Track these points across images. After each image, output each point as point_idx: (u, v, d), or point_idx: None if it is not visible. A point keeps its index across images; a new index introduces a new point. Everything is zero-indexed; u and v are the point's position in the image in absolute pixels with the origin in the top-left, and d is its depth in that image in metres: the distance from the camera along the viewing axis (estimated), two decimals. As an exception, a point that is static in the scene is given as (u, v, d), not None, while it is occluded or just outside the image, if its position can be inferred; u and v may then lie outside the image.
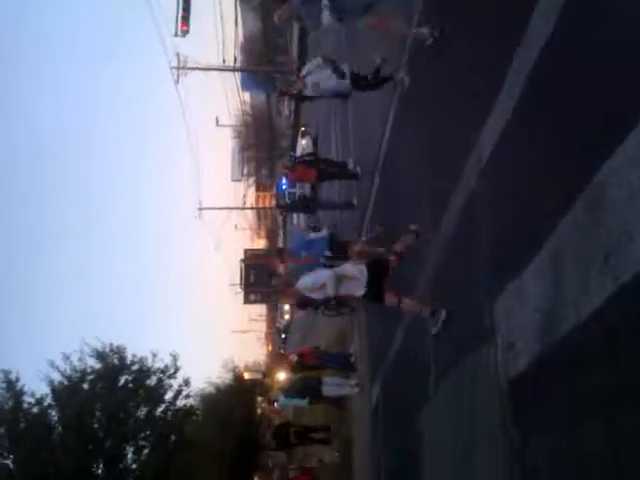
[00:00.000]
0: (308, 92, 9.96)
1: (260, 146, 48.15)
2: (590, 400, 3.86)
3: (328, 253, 10.89)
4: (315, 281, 7.21)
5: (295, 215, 28.94)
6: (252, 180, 56.09)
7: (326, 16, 7.66)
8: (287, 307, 45.13)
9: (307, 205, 15.30)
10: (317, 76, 9.49)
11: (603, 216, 3.69)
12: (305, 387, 12.90)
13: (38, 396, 20.15)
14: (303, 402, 13.54)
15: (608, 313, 3.58)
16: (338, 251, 10.84)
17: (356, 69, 9.78)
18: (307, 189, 15.90)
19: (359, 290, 7.10)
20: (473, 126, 5.86)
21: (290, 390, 13.21)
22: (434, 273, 7.63)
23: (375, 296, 7.27)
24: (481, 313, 5.63)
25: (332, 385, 13.22)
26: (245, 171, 53.95)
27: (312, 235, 11.01)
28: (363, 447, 13.27)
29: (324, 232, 11.07)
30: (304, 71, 9.84)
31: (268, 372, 29.24)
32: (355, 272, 7.09)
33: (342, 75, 9.45)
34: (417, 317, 8.47)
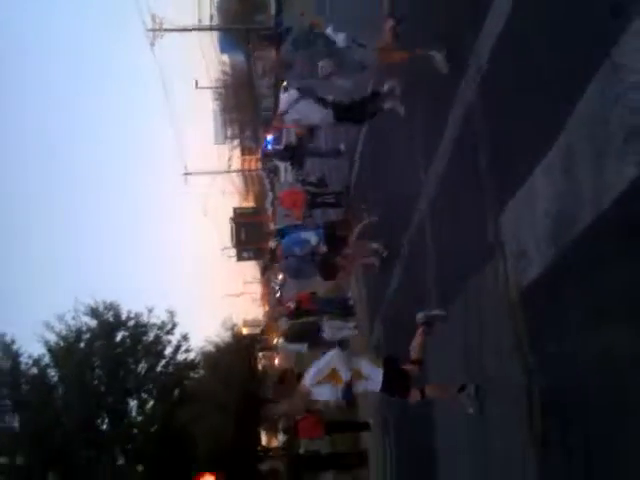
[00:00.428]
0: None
1: (242, 107, 47.37)
2: (613, 300, 3.65)
3: (324, 248, 10.65)
4: (322, 367, 5.81)
5: (283, 170, 28.50)
6: (236, 142, 55.28)
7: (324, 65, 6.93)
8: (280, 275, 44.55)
9: (293, 155, 14.97)
10: (298, 111, 8.31)
11: (621, 95, 3.38)
12: (303, 332, 12.87)
13: (35, 356, 20.22)
14: (302, 347, 13.54)
15: (629, 201, 3.35)
16: (336, 244, 10.64)
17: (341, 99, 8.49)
18: (293, 137, 15.57)
19: (375, 387, 6.00)
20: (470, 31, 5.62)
21: (289, 335, 13.19)
22: (429, 206, 7.48)
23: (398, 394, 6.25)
24: (484, 230, 5.43)
25: (331, 329, 13.20)
26: (229, 134, 53.14)
27: (303, 234, 10.73)
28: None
29: (314, 234, 10.79)
30: (281, 107, 8.54)
31: (267, 330, 29.36)
32: (372, 373, 5.92)
33: (325, 104, 8.28)
34: (416, 252, 8.40)
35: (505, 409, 5.35)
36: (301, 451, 17.90)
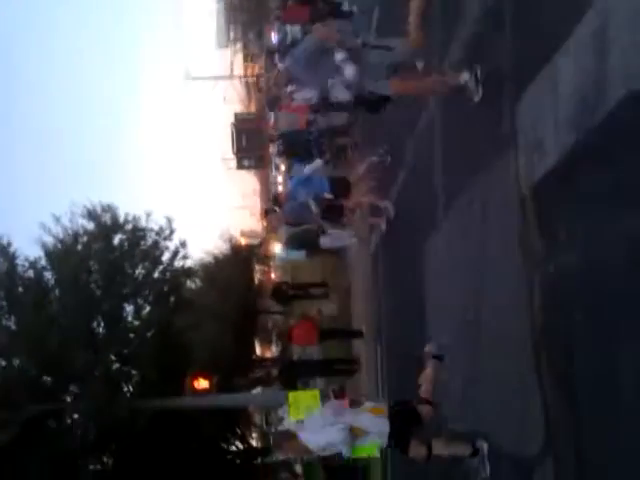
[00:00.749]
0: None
1: (247, 6, 45.54)
2: (636, 186, 3.38)
3: (329, 195, 10.31)
4: (326, 444, 5.74)
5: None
6: (239, 45, 53.52)
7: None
8: (280, 178, 44.52)
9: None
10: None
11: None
12: (303, 238, 12.65)
13: (32, 259, 20.17)
14: (301, 254, 13.36)
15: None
16: (340, 190, 10.32)
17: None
18: (297, 32, 14.83)
19: (382, 442, 5.78)
20: None
21: (289, 242, 12.96)
22: (440, 101, 7.08)
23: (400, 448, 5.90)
24: (499, 120, 5.14)
25: (331, 237, 12.98)
26: (231, 36, 51.38)
27: (307, 169, 10.26)
28: (362, 295, 13.28)
29: (318, 162, 10.49)
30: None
31: (265, 242, 29.31)
32: (373, 426, 5.68)
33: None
34: (422, 154, 8.05)
35: (507, 297, 5.19)
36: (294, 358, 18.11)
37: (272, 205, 12.02)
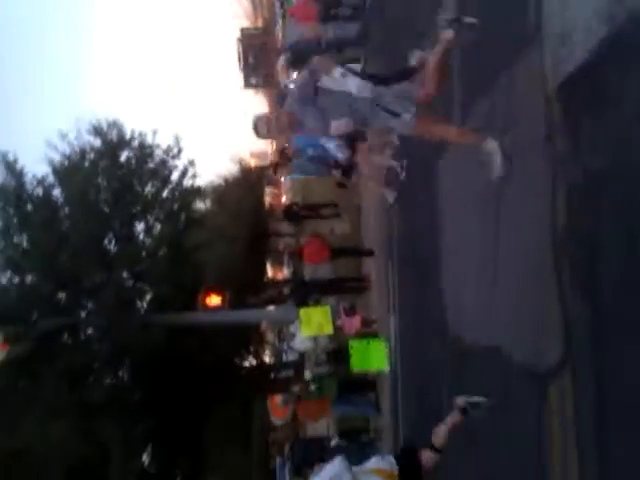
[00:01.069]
0: None
1: None
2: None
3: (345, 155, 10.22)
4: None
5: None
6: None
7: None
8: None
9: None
10: None
11: None
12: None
13: (39, 177, 19.92)
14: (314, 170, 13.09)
15: None
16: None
17: None
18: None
19: None
20: None
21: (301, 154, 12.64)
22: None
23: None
24: (524, 10, 4.76)
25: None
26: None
27: (324, 140, 10.01)
28: (374, 213, 13.09)
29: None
30: None
31: (274, 166, 29.06)
32: None
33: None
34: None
35: (528, 201, 4.94)
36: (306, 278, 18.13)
37: (280, 160, 11.79)
